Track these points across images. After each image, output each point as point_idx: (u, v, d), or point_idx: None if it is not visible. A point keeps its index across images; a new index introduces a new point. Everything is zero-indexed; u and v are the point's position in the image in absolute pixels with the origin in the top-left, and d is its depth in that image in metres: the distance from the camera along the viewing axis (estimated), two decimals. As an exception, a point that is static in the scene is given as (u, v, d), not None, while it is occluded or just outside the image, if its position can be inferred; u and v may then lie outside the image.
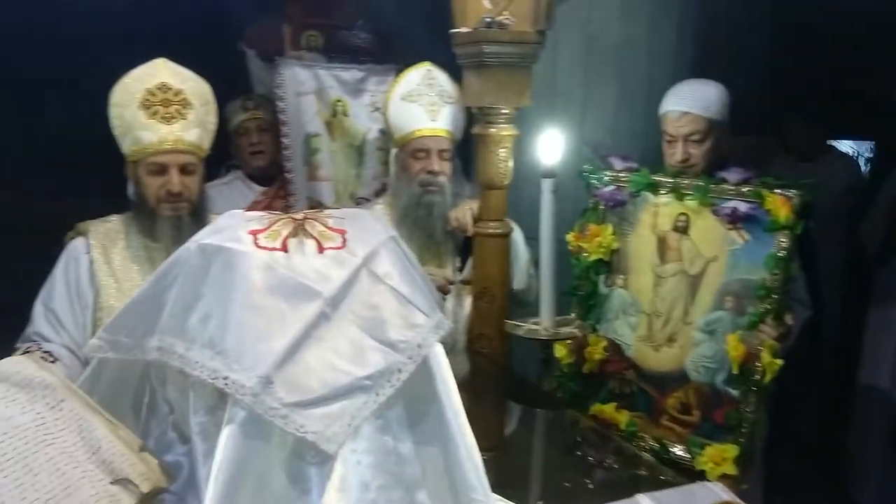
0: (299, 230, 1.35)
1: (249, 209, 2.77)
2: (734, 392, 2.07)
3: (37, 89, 3.17)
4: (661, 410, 2.21)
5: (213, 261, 1.26)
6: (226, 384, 1.14)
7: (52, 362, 1.92)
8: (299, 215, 1.39)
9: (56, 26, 3.06)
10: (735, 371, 2.05)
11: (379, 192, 3.04)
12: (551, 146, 2.06)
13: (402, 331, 1.26)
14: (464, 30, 2.31)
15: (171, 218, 2.10)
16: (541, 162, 2.05)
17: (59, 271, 2.11)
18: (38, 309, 2.07)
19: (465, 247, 2.50)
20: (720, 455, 2.04)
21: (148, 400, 1.35)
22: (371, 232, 1.38)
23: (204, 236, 1.31)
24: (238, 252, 1.27)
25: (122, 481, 1.17)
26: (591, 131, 2.89)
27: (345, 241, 1.35)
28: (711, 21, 3.14)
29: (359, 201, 3.02)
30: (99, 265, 2.09)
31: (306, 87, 2.99)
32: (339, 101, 3.01)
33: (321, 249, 1.32)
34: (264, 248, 1.29)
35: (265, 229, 1.33)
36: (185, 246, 1.31)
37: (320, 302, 1.24)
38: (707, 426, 2.12)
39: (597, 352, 2.31)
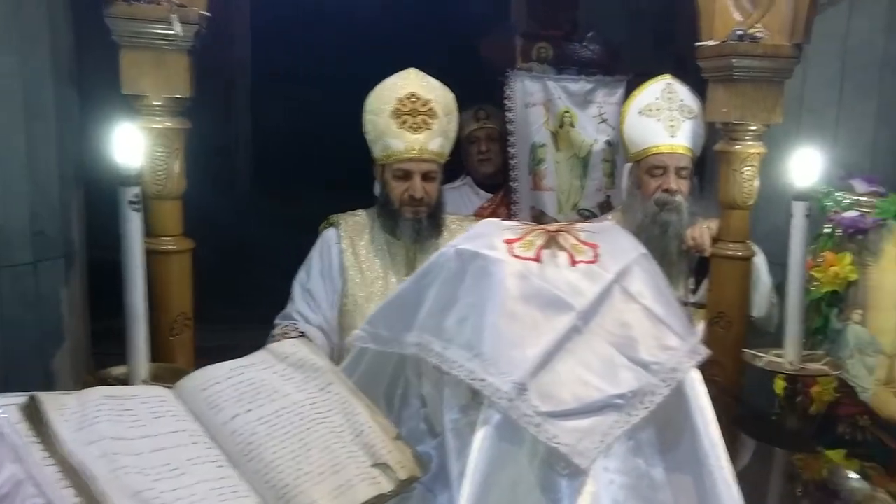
0: (552, 242, 1.37)
1: (475, 215, 2.90)
2: None
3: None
4: (900, 464, 1.99)
5: (470, 266, 1.32)
6: (482, 386, 1.19)
7: (306, 343, 2.12)
8: (552, 227, 1.41)
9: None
10: None
11: (602, 204, 3.01)
12: (805, 166, 1.91)
13: (655, 352, 1.24)
14: (711, 42, 2.22)
15: (411, 220, 2.25)
16: (793, 183, 1.91)
17: (314, 256, 2.33)
18: (297, 289, 2.30)
19: (698, 268, 2.39)
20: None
21: (402, 392, 1.44)
22: (623, 248, 1.38)
23: (462, 242, 1.37)
24: (494, 259, 1.31)
25: (382, 466, 1.25)
26: (844, 153, 2.64)
27: (597, 255, 1.35)
28: None
29: (581, 212, 3.01)
30: (347, 255, 2.28)
31: (535, 98, 3.03)
32: (566, 112, 3.02)
33: (573, 262, 1.33)
34: (519, 257, 1.33)
35: (520, 239, 1.37)
36: (444, 250, 1.38)
37: (573, 315, 1.25)
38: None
39: (826, 393, 2.12)
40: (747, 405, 2.20)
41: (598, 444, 1.15)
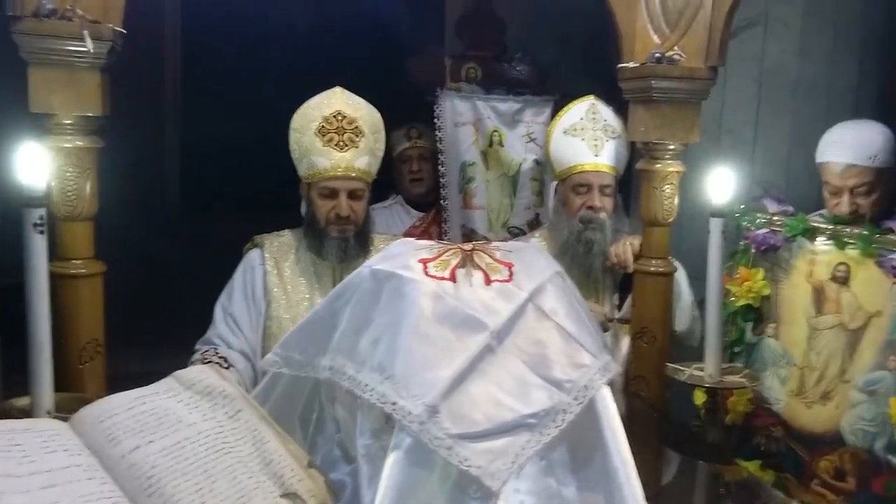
0: (467, 261, 1.36)
1: (406, 234, 2.89)
2: (896, 460, 1.87)
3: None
4: (811, 474, 2.04)
5: (384, 286, 1.30)
6: (393, 409, 1.16)
7: (227, 368, 2.06)
8: (468, 246, 1.40)
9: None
10: (898, 438, 1.85)
11: (532, 222, 3.04)
12: (722, 185, 1.96)
13: (568, 370, 1.24)
14: (631, 64, 2.27)
15: (338, 239, 2.21)
16: (710, 201, 1.96)
17: (237, 279, 2.27)
18: (219, 313, 2.24)
19: (623, 284, 2.42)
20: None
21: (316, 417, 1.41)
22: (538, 267, 1.37)
23: (376, 262, 1.35)
24: (408, 279, 1.29)
25: (291, 495, 1.21)
26: (761, 171, 2.75)
27: (512, 274, 1.34)
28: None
29: (511, 230, 3.03)
30: (271, 277, 2.23)
31: (464, 117, 3.05)
32: (495, 131, 3.05)
33: (488, 281, 1.32)
34: (433, 276, 1.31)
35: (435, 258, 1.35)
36: (359, 270, 1.36)
37: (486, 335, 1.24)
38: (864, 496, 1.91)
39: (741, 403, 2.18)
40: (671, 419, 2.23)
41: (510, 465, 1.13)
